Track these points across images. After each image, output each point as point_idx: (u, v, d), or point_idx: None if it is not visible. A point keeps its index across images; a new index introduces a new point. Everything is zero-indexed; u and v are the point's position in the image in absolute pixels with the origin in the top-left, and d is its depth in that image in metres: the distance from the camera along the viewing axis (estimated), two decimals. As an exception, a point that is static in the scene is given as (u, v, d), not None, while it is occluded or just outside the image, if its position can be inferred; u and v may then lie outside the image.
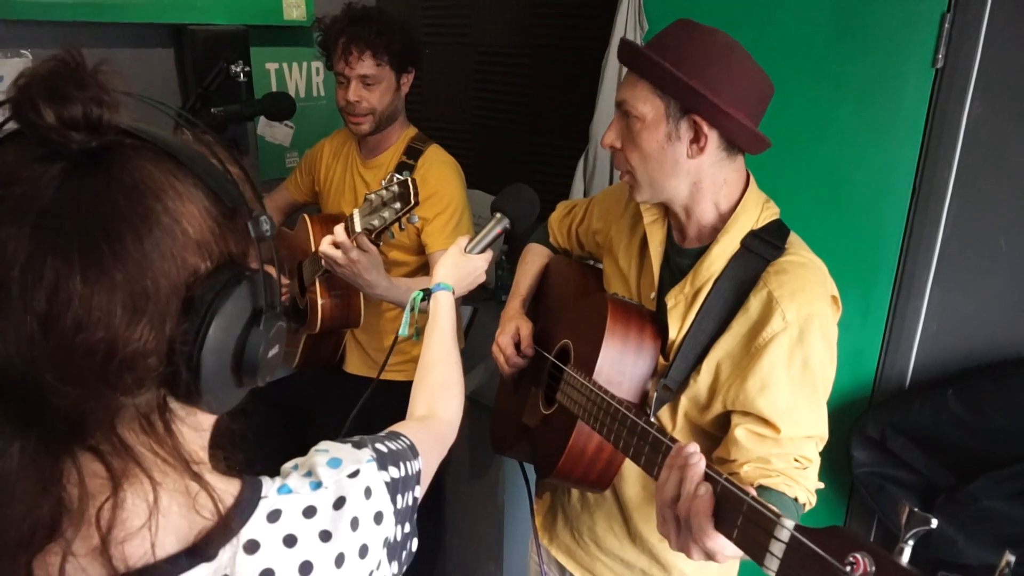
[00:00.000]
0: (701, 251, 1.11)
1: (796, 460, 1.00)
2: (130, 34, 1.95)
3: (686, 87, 1.00)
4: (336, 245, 1.47)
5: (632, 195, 1.15)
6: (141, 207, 0.50)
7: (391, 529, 0.67)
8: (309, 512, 0.61)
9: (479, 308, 2.27)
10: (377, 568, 0.65)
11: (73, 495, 0.51)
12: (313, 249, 1.74)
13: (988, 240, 1.40)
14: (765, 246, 1.07)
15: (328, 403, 2.01)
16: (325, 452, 0.67)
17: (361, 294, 1.77)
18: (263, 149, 2.34)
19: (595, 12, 2.02)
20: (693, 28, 1.05)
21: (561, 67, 2.22)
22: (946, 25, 1.37)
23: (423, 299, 1.21)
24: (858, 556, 0.58)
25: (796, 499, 0.98)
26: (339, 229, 1.47)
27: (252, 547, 0.57)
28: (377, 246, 1.49)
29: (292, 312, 1.92)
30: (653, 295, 1.18)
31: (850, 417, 1.56)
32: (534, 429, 1.31)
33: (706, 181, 1.08)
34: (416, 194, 1.35)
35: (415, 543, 0.73)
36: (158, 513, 0.53)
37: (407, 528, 0.71)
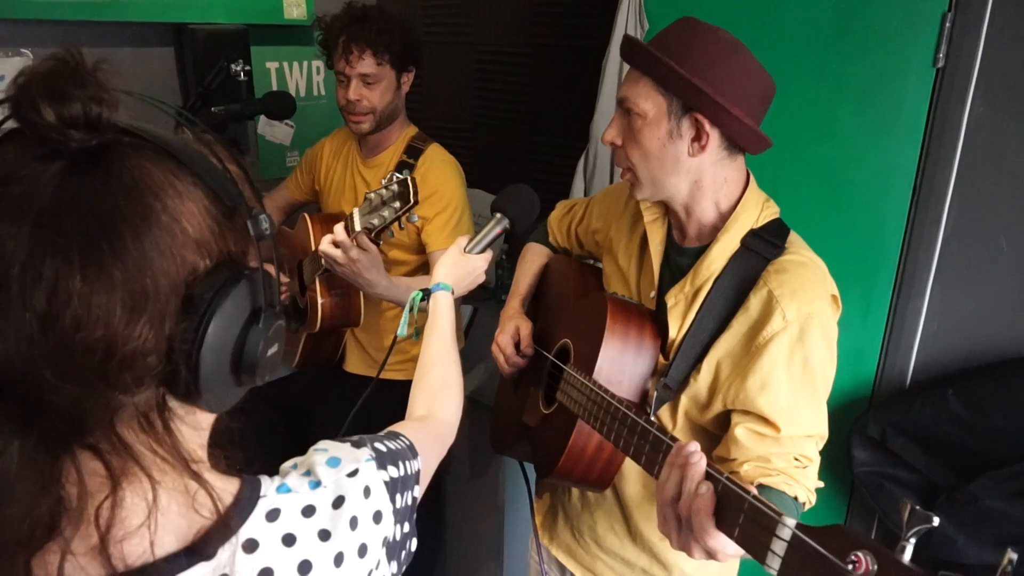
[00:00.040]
0: (701, 250, 1.11)
1: (796, 459, 1.00)
2: (130, 33, 1.95)
3: (689, 85, 0.99)
4: (336, 244, 1.47)
5: (632, 193, 1.14)
6: (140, 206, 0.50)
7: (390, 528, 0.67)
8: (308, 511, 0.61)
9: (479, 308, 2.27)
10: (376, 567, 0.65)
11: (72, 494, 0.51)
12: (313, 248, 1.74)
13: (989, 240, 1.40)
14: (765, 245, 1.07)
15: (328, 402, 2.01)
16: (324, 451, 0.67)
17: (361, 293, 1.77)
18: (263, 148, 2.34)
19: (595, 11, 2.02)
20: (696, 26, 1.04)
21: (561, 66, 2.21)
22: (947, 25, 1.37)
23: (423, 299, 1.21)
24: (860, 554, 0.58)
25: (796, 498, 0.99)
26: (339, 228, 1.47)
27: (251, 546, 0.57)
28: (377, 245, 1.49)
29: (292, 311, 1.91)
30: (653, 294, 1.18)
31: (850, 416, 1.56)
32: (534, 429, 1.31)
33: (706, 180, 1.08)
34: (416, 193, 1.35)
35: (414, 543, 0.73)
36: (157, 512, 0.53)
37: (406, 528, 0.71)
